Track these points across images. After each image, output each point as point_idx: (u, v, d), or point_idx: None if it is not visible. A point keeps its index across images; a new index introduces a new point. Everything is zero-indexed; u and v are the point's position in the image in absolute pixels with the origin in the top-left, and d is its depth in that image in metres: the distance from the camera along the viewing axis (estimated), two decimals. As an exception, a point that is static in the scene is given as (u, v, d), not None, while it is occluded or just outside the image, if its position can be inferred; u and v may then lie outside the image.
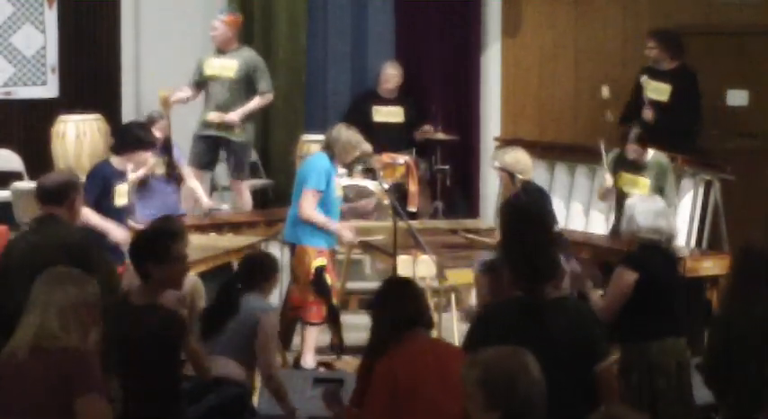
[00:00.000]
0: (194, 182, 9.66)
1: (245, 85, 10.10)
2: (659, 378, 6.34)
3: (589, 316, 5.15)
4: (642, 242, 6.54)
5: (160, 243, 5.63)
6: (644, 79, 10.17)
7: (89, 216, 7.83)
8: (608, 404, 4.92)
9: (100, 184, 8.03)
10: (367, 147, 8.67)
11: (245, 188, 10.33)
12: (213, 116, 9.99)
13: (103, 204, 7.97)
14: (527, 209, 6.81)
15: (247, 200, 10.28)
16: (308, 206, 8.23)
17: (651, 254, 6.51)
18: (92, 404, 4.53)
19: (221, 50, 10.15)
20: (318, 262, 8.30)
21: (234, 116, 9.98)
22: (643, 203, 6.72)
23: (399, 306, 5.23)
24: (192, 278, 7.01)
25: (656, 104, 10.12)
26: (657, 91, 10.26)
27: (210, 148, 10.17)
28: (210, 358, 6.18)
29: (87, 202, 7.93)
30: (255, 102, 10.12)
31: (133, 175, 9.02)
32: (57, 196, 6.44)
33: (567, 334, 4.84)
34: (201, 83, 10.14)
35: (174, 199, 9.41)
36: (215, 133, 10.09)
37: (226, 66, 10.10)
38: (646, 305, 6.37)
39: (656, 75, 10.31)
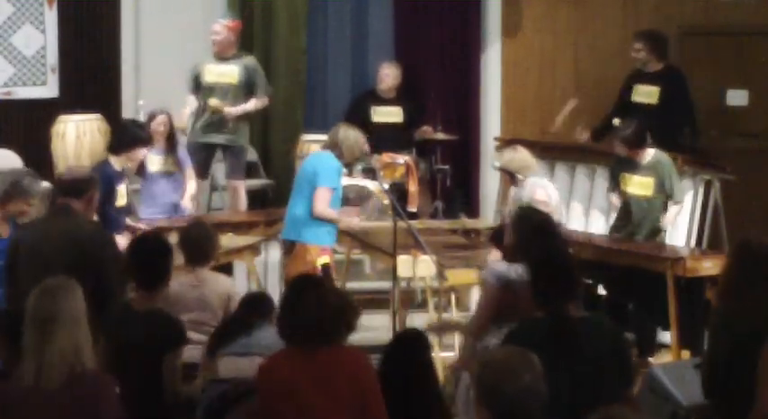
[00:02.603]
0: (192, 185, 9.64)
1: (246, 91, 10.12)
2: None
3: (623, 341, 5.12)
4: None
5: (159, 262, 5.88)
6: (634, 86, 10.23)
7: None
8: None
9: (104, 187, 8.04)
10: (366, 147, 8.69)
11: (242, 188, 10.33)
12: (215, 102, 9.97)
13: (106, 206, 7.98)
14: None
15: (243, 200, 10.28)
16: (324, 204, 8.23)
17: None
18: None
19: (221, 56, 10.13)
20: (323, 259, 8.30)
21: (232, 110, 9.98)
22: None
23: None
24: (227, 280, 6.95)
25: (644, 107, 10.12)
26: (646, 94, 10.25)
27: (208, 156, 10.17)
28: None
29: None
30: (253, 104, 10.13)
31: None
32: (77, 189, 6.51)
33: (600, 356, 4.82)
34: (200, 89, 10.14)
35: (176, 198, 9.41)
36: (211, 140, 10.09)
37: (226, 73, 10.10)
38: None
39: (644, 78, 10.30)
